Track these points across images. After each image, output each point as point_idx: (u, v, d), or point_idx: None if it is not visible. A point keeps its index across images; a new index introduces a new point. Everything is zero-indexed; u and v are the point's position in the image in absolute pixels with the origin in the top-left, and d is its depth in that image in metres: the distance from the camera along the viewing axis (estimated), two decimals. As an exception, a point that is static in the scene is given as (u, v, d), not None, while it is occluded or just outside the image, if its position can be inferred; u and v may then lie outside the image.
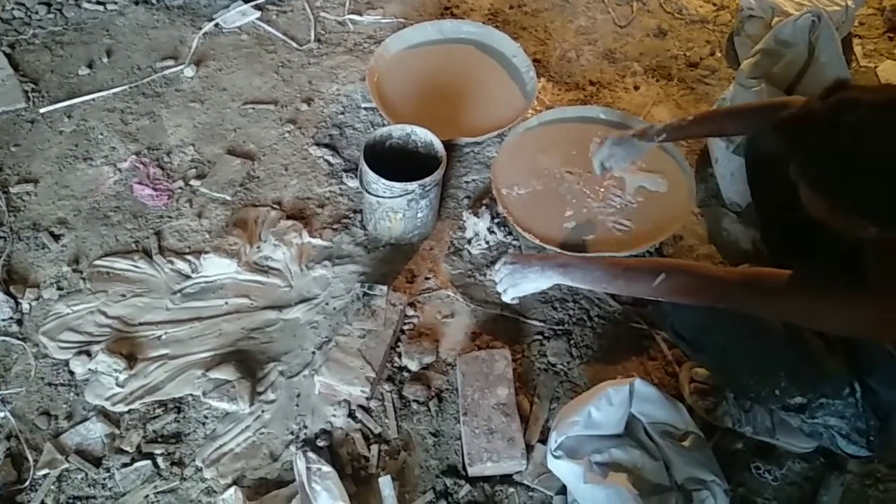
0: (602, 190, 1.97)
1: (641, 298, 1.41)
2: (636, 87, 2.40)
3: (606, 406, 1.47)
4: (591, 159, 1.78)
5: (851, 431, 1.35)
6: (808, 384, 1.34)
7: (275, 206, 2.04)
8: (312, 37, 2.51)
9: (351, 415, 1.65)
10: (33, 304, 1.82)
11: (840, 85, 1.14)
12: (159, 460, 1.58)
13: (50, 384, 1.69)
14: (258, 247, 1.92)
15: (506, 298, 1.47)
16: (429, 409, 1.67)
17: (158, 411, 1.66)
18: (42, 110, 2.25)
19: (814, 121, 1.10)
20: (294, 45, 2.48)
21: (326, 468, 1.50)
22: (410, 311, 1.82)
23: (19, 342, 1.75)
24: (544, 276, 1.39)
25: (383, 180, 1.76)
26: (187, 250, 1.94)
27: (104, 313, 1.80)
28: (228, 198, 2.05)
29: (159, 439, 1.62)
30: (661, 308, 1.47)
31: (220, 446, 1.60)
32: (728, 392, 1.61)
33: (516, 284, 1.43)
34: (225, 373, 1.67)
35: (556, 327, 1.80)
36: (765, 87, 1.91)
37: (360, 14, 2.61)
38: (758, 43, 2.05)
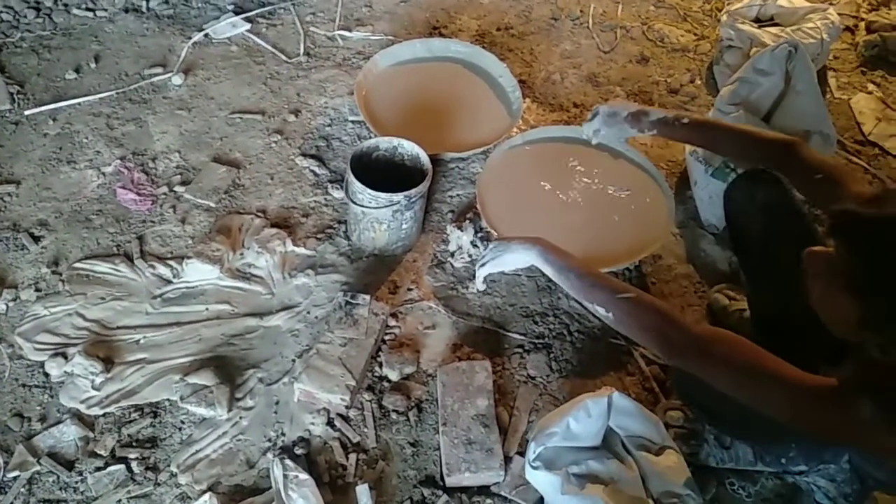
0: (581, 205, 2.01)
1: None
2: (618, 111, 2.45)
3: (585, 418, 1.48)
4: (583, 126, 1.84)
5: (838, 496, 1.38)
6: (814, 456, 1.38)
7: (259, 214, 2.04)
8: (302, 50, 2.54)
9: (330, 423, 1.64)
10: (10, 304, 1.80)
11: (891, 192, 1.12)
12: (133, 465, 1.56)
13: (24, 385, 1.67)
14: (241, 254, 1.92)
15: (480, 274, 1.50)
16: (408, 419, 1.67)
17: (134, 415, 1.64)
18: (27, 112, 2.24)
19: (858, 222, 1.06)
20: (283, 57, 2.50)
21: (303, 476, 1.49)
22: (392, 322, 1.82)
23: (-6, 343, 1.73)
24: (528, 252, 1.42)
25: (369, 190, 1.77)
26: (169, 255, 1.93)
27: (82, 316, 1.78)
28: (213, 204, 2.05)
29: (134, 444, 1.60)
30: (678, 375, 1.45)
31: (196, 452, 1.59)
32: (708, 434, 1.59)
33: (497, 256, 1.46)
34: (203, 378, 1.66)
35: (536, 341, 1.82)
36: (743, 113, 1.97)
37: (350, 30, 2.64)
38: (736, 72, 2.12)
